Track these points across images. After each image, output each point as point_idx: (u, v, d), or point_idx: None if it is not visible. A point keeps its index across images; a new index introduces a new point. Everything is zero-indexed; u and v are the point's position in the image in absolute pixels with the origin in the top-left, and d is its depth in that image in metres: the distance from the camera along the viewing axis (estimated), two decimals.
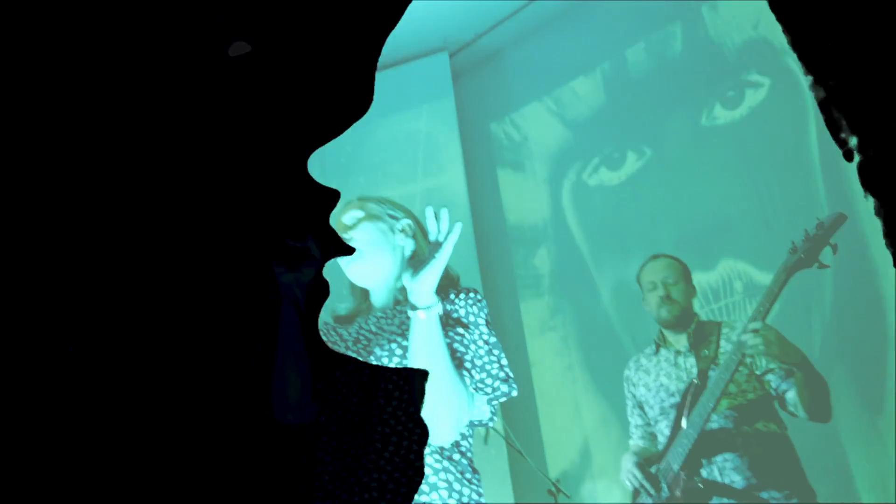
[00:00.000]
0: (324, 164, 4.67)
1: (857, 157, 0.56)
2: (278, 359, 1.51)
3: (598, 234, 4.07)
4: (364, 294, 1.78)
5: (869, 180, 0.56)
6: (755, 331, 2.34)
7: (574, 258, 4.08)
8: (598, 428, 3.88)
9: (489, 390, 1.54)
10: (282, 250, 1.53)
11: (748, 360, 2.49)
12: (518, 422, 3.75)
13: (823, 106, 0.59)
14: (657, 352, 2.75)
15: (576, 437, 3.92)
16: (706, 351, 2.58)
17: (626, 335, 3.88)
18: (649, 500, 2.53)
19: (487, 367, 1.55)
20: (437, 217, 1.54)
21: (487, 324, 1.58)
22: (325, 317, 1.71)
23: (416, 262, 1.54)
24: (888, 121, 0.54)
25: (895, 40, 0.53)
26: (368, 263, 1.68)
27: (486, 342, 1.56)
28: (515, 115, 4.50)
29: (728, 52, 3.71)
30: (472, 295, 1.61)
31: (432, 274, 1.50)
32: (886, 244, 0.57)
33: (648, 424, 2.72)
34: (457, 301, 1.60)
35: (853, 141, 0.57)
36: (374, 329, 1.67)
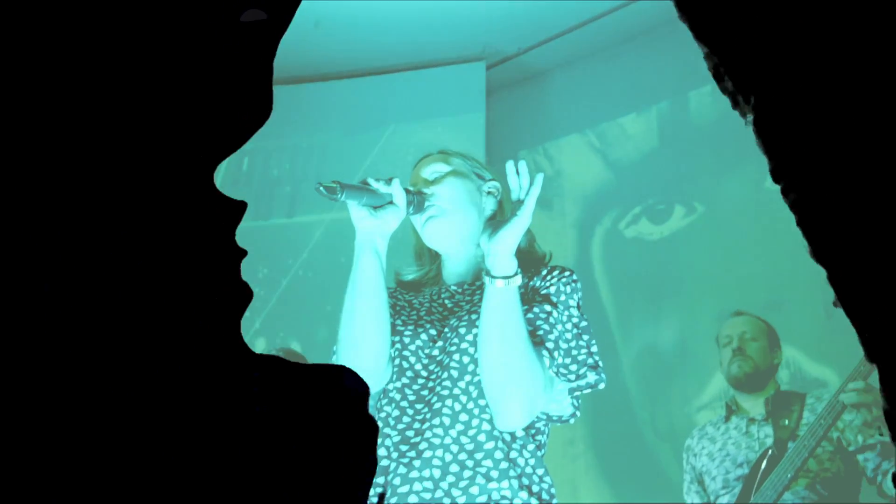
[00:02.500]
0: (323, 166, 4.58)
1: (749, 116, 0.66)
2: (356, 315, 1.47)
3: (628, 292, 4.01)
4: (433, 258, 1.76)
5: (764, 136, 0.66)
6: (858, 390, 2.36)
7: (595, 315, 3.97)
8: None
9: (573, 377, 1.51)
10: (363, 189, 1.50)
11: (835, 433, 2.47)
12: None
13: (715, 70, 0.68)
14: (727, 419, 2.78)
15: None
16: (786, 421, 2.62)
17: (644, 413, 3.78)
18: None
19: (574, 351, 1.52)
20: (517, 172, 1.52)
21: (579, 307, 1.57)
22: (389, 281, 1.68)
23: (494, 223, 1.52)
24: (778, 80, 0.63)
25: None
26: (450, 223, 1.65)
27: (574, 325, 1.55)
28: (550, 146, 4.47)
29: None
30: (566, 274, 1.60)
31: (512, 234, 1.47)
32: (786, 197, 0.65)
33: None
34: (549, 277, 1.59)
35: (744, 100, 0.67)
36: (448, 304, 1.66)
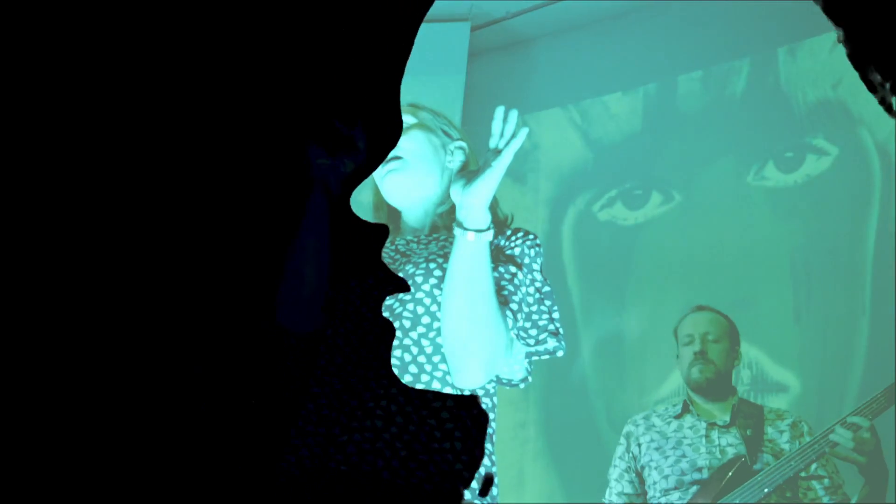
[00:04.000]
0: None
1: None
2: (296, 252, 1.44)
3: (595, 278, 3.97)
4: (392, 216, 1.75)
5: None
6: (855, 427, 2.36)
7: (559, 298, 3.94)
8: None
9: (532, 342, 1.50)
10: (325, 129, 1.45)
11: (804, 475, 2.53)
12: None
13: (854, 60, 0.64)
14: (681, 416, 2.73)
15: None
16: (749, 431, 2.60)
17: (600, 403, 3.76)
18: None
19: (535, 315, 1.51)
20: (504, 119, 1.49)
21: (542, 272, 1.56)
22: None
23: (468, 174, 1.49)
24: None
25: None
26: (410, 178, 1.64)
27: (537, 289, 1.53)
28: (530, 117, 4.38)
29: (797, 108, 3.65)
30: (530, 237, 1.59)
31: (487, 185, 1.44)
32: None
33: (638, 496, 2.72)
34: (513, 238, 1.58)
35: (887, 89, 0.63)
36: (402, 250, 1.64)
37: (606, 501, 2.78)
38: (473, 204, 1.45)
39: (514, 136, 1.47)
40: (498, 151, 1.46)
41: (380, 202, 1.77)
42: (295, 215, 1.49)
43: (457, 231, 1.46)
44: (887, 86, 0.61)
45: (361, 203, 1.82)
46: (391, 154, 1.62)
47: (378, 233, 0.80)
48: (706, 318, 2.79)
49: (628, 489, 2.73)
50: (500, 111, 1.50)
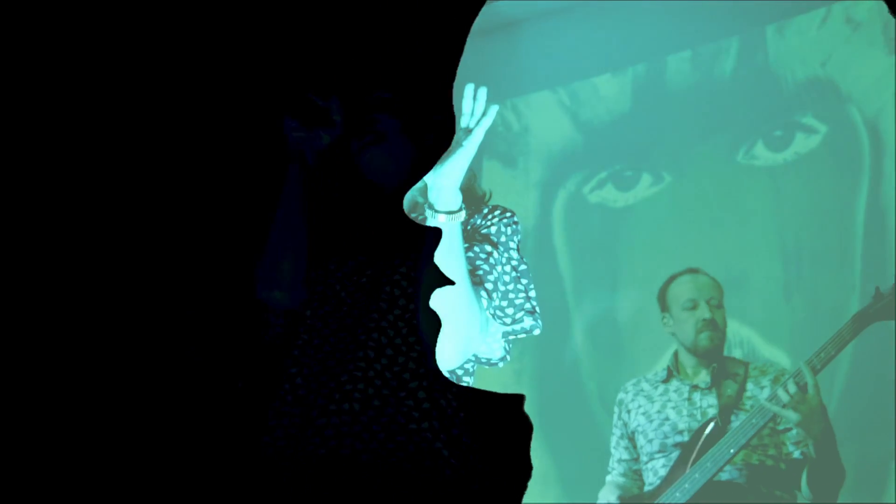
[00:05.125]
0: None
1: None
2: (274, 226, 1.42)
3: (587, 260, 3.99)
4: None
5: None
6: (800, 380, 2.45)
7: (551, 281, 3.96)
8: (533, 487, 3.74)
9: (508, 321, 1.52)
10: (300, 103, 1.44)
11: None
12: None
13: None
14: (667, 380, 2.77)
15: None
16: (729, 390, 2.64)
17: (592, 385, 3.78)
18: None
19: (511, 294, 1.52)
20: (474, 97, 1.48)
21: (518, 249, 1.57)
22: None
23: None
24: None
25: None
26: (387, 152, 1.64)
27: (513, 268, 1.54)
28: (519, 101, 4.39)
29: (785, 86, 3.65)
30: (507, 214, 1.60)
31: (458, 166, 1.44)
32: None
33: (635, 460, 2.76)
34: (490, 217, 1.59)
35: None
36: None
37: (610, 469, 2.83)
38: (444, 185, 1.45)
39: (484, 114, 1.46)
40: (469, 130, 1.45)
41: None
42: (274, 195, 1.50)
43: (428, 213, 1.47)
44: None
45: None
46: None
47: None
48: (706, 282, 2.81)
49: (625, 455, 2.79)
50: (469, 89, 1.49)
